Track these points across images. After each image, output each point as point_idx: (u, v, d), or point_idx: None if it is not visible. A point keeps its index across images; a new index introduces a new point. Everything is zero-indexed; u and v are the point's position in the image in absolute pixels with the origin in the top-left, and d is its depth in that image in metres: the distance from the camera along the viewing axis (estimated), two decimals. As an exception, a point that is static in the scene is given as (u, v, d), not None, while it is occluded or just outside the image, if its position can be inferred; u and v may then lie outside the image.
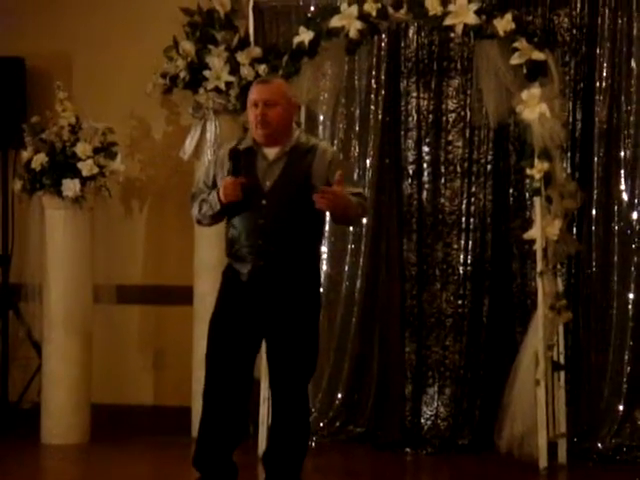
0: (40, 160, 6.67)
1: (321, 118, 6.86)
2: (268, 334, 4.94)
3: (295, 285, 4.92)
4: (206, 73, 6.72)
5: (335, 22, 6.27)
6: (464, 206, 6.75)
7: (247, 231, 4.89)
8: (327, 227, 6.79)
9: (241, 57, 6.73)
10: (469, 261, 6.73)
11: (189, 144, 6.86)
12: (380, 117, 6.85)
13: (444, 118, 6.79)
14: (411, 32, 6.79)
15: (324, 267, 6.88)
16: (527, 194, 6.51)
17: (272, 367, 4.98)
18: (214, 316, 4.99)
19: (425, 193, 6.82)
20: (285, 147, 4.95)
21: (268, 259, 4.87)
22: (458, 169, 6.77)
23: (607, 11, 6.47)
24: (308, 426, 5.09)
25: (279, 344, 4.92)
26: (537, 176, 6.02)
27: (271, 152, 4.95)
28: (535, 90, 5.97)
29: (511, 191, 6.68)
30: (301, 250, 4.92)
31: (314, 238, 4.99)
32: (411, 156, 6.84)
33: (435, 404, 6.73)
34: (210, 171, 5.08)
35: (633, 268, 6.44)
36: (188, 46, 6.78)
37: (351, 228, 6.78)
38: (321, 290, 5.18)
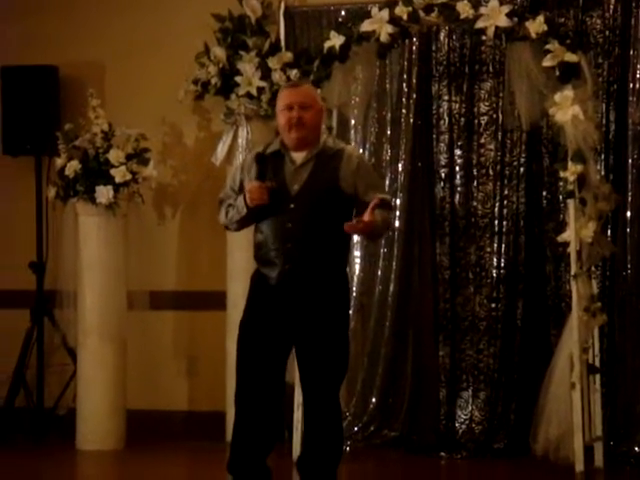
0: (73, 167, 6.71)
1: (352, 122, 6.86)
2: (297, 338, 4.94)
3: (324, 288, 4.92)
4: (237, 79, 6.74)
5: (366, 26, 6.26)
6: (497, 209, 6.73)
7: (275, 235, 4.90)
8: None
9: (272, 62, 6.75)
10: (502, 264, 6.71)
11: (221, 150, 6.88)
12: (412, 121, 6.84)
13: (476, 121, 6.77)
14: (442, 35, 6.79)
15: (357, 271, 6.88)
16: (560, 196, 6.48)
17: (302, 372, 4.98)
18: (243, 321, 5.00)
19: (458, 196, 6.81)
20: (312, 151, 4.96)
21: (296, 262, 4.87)
22: (490, 172, 6.75)
23: (640, 12, 6.45)
24: (341, 430, 5.07)
25: (309, 348, 4.92)
26: (571, 178, 5.99)
27: (298, 156, 4.96)
28: (568, 92, 5.94)
29: (544, 194, 6.66)
30: (329, 254, 4.92)
31: (342, 242, 4.99)
32: (443, 159, 6.83)
33: (470, 408, 6.70)
34: (237, 176, 5.08)
35: (668, 270, 6.40)
36: (219, 52, 6.80)
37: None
38: (350, 293, 5.17)
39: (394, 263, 6.85)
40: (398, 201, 6.83)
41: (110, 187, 6.67)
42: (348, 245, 5.13)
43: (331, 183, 4.91)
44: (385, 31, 6.23)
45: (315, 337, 4.90)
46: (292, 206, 4.89)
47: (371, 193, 4.91)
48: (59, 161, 6.79)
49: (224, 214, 5.05)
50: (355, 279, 6.87)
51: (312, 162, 4.95)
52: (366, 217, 4.78)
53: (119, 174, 6.67)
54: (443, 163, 6.83)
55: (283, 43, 6.86)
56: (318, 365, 4.91)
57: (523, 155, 6.68)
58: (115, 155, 6.70)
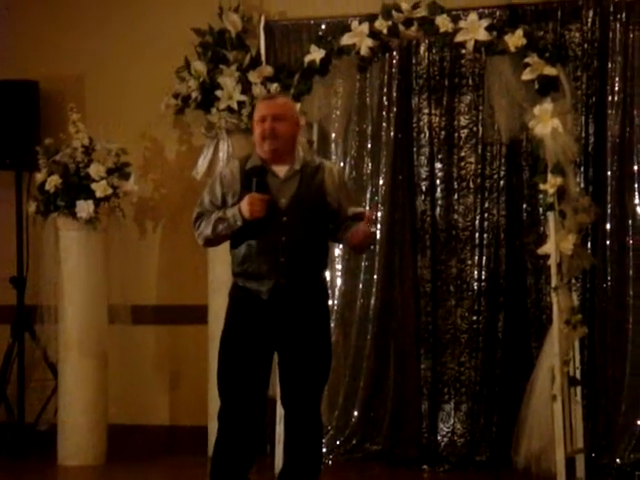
0: (54, 182, 6.70)
1: (333, 136, 6.88)
2: (281, 350, 4.93)
3: (309, 302, 4.93)
4: (218, 93, 6.75)
5: (346, 40, 6.28)
6: (477, 222, 6.75)
7: (267, 249, 4.89)
8: (341, 244, 6.89)
9: (253, 76, 6.76)
10: (483, 277, 6.73)
11: (202, 164, 6.88)
12: (392, 134, 6.87)
13: (456, 134, 6.80)
14: (422, 49, 6.82)
15: (338, 284, 6.89)
16: (540, 209, 6.50)
17: (284, 384, 4.97)
18: (225, 336, 4.98)
19: (438, 209, 6.82)
20: (295, 165, 4.97)
21: (290, 276, 4.88)
22: (471, 185, 6.77)
23: (618, 25, 6.48)
24: (321, 443, 5.07)
25: (292, 361, 4.92)
26: (550, 191, 6.01)
27: (281, 170, 4.96)
28: (547, 105, 5.96)
29: (524, 206, 6.68)
30: (316, 267, 4.96)
31: (325, 255, 5.04)
32: (424, 173, 6.85)
33: (451, 421, 6.71)
34: (217, 190, 5.03)
35: (648, 281, 6.43)
36: (200, 66, 6.81)
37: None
38: (331, 306, 5.20)
39: (375, 276, 6.86)
40: (379, 214, 6.85)
41: (91, 202, 6.66)
42: (327, 258, 5.14)
43: (319, 197, 4.94)
44: (365, 45, 6.25)
45: (299, 349, 4.90)
46: (284, 219, 4.89)
47: (351, 207, 4.99)
48: (39, 176, 6.78)
49: (210, 228, 4.99)
50: (337, 292, 6.88)
51: (297, 176, 4.95)
52: (366, 227, 4.85)
53: (100, 188, 6.66)
54: (424, 176, 6.85)
55: (263, 57, 6.87)
56: (300, 378, 4.91)
57: (503, 168, 6.71)
58: (96, 169, 6.69)
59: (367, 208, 6.48)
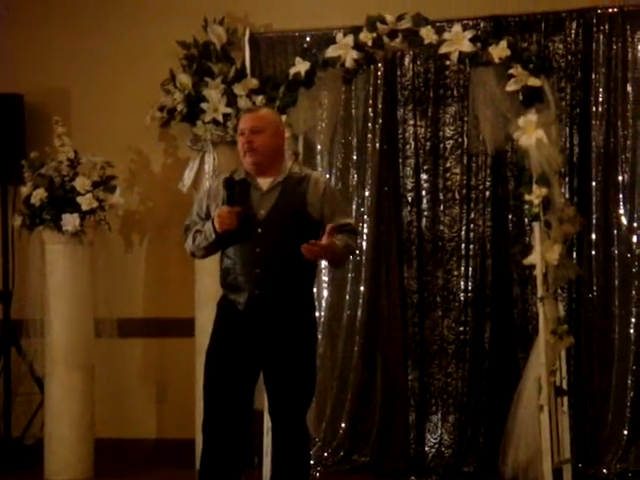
0: (39, 195, 6.68)
1: (319, 148, 6.88)
2: (266, 363, 4.93)
3: (292, 313, 4.91)
4: (203, 105, 6.76)
5: (331, 52, 6.29)
6: (463, 232, 6.76)
7: (243, 260, 4.89)
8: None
9: (238, 89, 6.77)
10: (470, 287, 6.74)
11: (188, 176, 6.88)
12: (378, 145, 6.88)
13: (441, 145, 6.82)
14: (407, 60, 6.84)
15: (325, 296, 6.89)
16: (526, 220, 6.52)
17: (271, 396, 4.97)
18: (210, 348, 4.98)
19: (424, 220, 6.83)
20: (278, 177, 4.96)
21: (265, 288, 4.87)
22: (457, 196, 6.79)
23: (601, 37, 6.51)
24: (309, 455, 5.08)
25: (277, 374, 4.91)
26: (536, 201, 6.02)
27: (264, 182, 4.96)
28: (532, 116, 5.98)
29: (510, 217, 6.70)
30: (297, 278, 4.92)
31: (309, 266, 4.98)
32: (409, 184, 6.86)
33: (439, 432, 6.71)
34: (203, 202, 5.07)
35: (634, 292, 6.44)
36: (185, 79, 6.82)
37: (351, 257, 6.80)
38: (318, 318, 5.16)
39: (362, 288, 6.86)
40: (365, 226, 6.86)
41: (76, 215, 6.64)
42: (315, 270, 5.13)
43: (298, 208, 4.91)
44: (350, 57, 6.26)
45: (283, 363, 4.90)
46: (260, 231, 4.88)
47: (337, 219, 4.93)
48: (25, 189, 6.76)
49: (191, 240, 5.04)
50: (323, 304, 6.88)
51: (279, 188, 4.95)
52: (324, 240, 4.78)
53: (85, 202, 6.65)
54: (409, 187, 6.86)
55: (248, 69, 6.88)
56: (286, 390, 4.90)
57: (488, 179, 6.72)
58: (81, 183, 6.68)
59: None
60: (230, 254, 4.94)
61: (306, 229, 4.88)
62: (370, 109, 6.90)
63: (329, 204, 4.97)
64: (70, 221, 6.64)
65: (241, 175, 5.01)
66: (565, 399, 6.14)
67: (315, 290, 6.74)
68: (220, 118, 6.73)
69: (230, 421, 4.88)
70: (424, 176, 6.84)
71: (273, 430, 5.03)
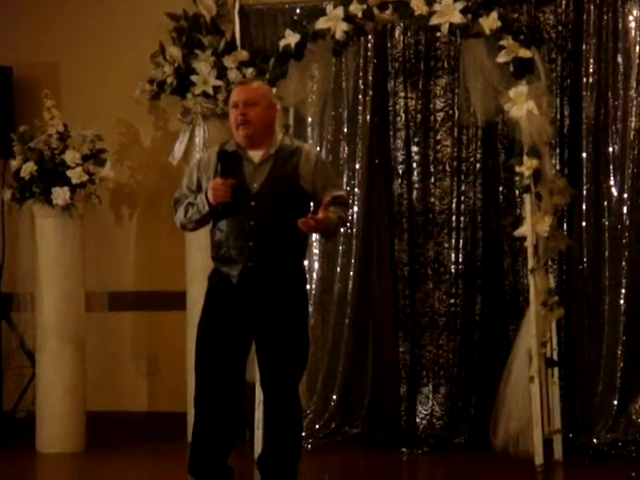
0: (29, 169, 6.66)
1: (309, 120, 6.87)
2: (258, 335, 4.94)
3: (284, 286, 4.93)
4: (193, 78, 6.73)
5: (321, 24, 6.27)
6: (454, 205, 6.76)
7: (236, 233, 4.89)
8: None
9: (228, 61, 6.74)
10: (460, 260, 6.74)
11: (178, 149, 6.86)
12: (368, 118, 6.86)
13: (432, 117, 6.80)
14: (397, 32, 6.81)
15: (315, 269, 6.89)
16: (517, 191, 6.51)
17: (263, 368, 4.98)
18: (202, 321, 4.98)
19: (415, 193, 6.83)
20: (270, 150, 4.96)
21: (258, 260, 4.88)
22: (447, 168, 6.78)
23: (592, 7, 6.49)
24: (301, 427, 5.10)
25: (270, 345, 4.93)
26: (526, 173, 6.02)
27: (256, 155, 4.96)
28: (522, 88, 5.97)
29: (501, 189, 6.70)
30: (289, 251, 4.93)
31: (301, 239, 4.99)
32: (400, 156, 6.85)
33: (430, 403, 6.73)
34: (194, 175, 5.06)
35: (624, 263, 6.45)
36: (175, 51, 6.79)
37: (342, 229, 6.81)
38: (307, 290, 5.17)
39: (353, 260, 6.87)
40: (356, 198, 6.85)
41: (66, 188, 6.63)
42: (306, 242, 5.15)
43: (291, 181, 4.92)
44: (340, 29, 6.24)
45: (275, 335, 4.91)
46: (253, 204, 4.88)
47: (329, 191, 4.95)
48: (14, 163, 6.74)
49: (183, 213, 5.03)
50: (314, 277, 6.88)
51: (271, 160, 4.95)
52: (320, 214, 4.80)
53: (75, 175, 6.63)
54: (400, 160, 6.85)
55: (238, 42, 6.85)
56: (278, 362, 4.92)
57: (479, 151, 6.72)
58: (71, 156, 6.66)
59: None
60: (222, 227, 4.93)
61: (298, 202, 4.90)
62: (360, 81, 6.88)
63: (321, 177, 4.98)
64: (60, 195, 6.62)
65: (231, 147, 5.00)
66: (556, 370, 6.17)
67: (306, 263, 6.82)
68: (210, 91, 6.71)
69: (222, 394, 4.89)
70: (415, 148, 6.83)
71: (265, 403, 5.05)
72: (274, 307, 4.90)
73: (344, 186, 6.72)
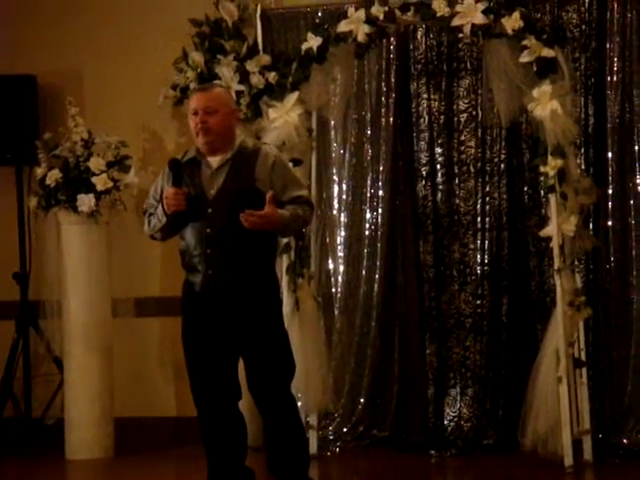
0: (54, 176, 6.69)
1: (332, 123, 6.88)
2: (237, 344, 4.89)
3: (250, 291, 4.84)
4: (216, 83, 6.73)
5: (343, 27, 6.27)
6: (479, 206, 6.74)
7: (195, 241, 4.86)
8: (343, 232, 6.88)
9: (250, 65, 6.75)
10: (486, 261, 6.72)
11: (202, 155, 6.86)
12: (391, 120, 6.85)
13: (455, 119, 6.78)
14: (419, 34, 6.80)
15: (341, 272, 6.88)
16: (542, 191, 6.48)
17: (249, 375, 4.93)
18: (182, 331, 4.99)
19: (439, 194, 6.81)
20: (227, 154, 4.89)
21: (217, 268, 4.82)
22: (472, 169, 6.76)
23: (616, 5, 6.45)
24: (300, 425, 5.03)
25: (250, 354, 4.88)
26: (551, 173, 6.00)
27: (214, 160, 4.90)
28: (546, 87, 5.95)
29: (526, 189, 6.67)
30: (252, 256, 4.85)
31: (265, 243, 4.89)
32: (424, 158, 6.83)
33: (458, 405, 6.71)
34: (158, 185, 5.04)
35: (651, 261, 6.42)
36: (197, 57, 6.80)
37: (366, 232, 6.82)
38: (279, 293, 5.06)
39: (378, 263, 6.86)
40: (380, 201, 6.85)
41: (92, 195, 6.65)
42: (273, 246, 5.03)
43: (247, 184, 4.84)
44: (362, 31, 6.23)
45: (252, 342, 4.86)
46: (210, 211, 4.84)
47: (289, 191, 4.87)
48: (39, 170, 6.77)
49: (147, 224, 5.03)
50: (339, 280, 6.88)
51: (228, 165, 4.89)
52: (265, 210, 4.70)
53: (100, 182, 6.66)
54: (424, 161, 6.83)
55: (261, 46, 6.86)
56: (263, 368, 4.88)
57: (503, 151, 6.69)
58: (96, 163, 6.68)
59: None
60: (184, 235, 4.92)
61: (257, 205, 4.76)
62: (383, 83, 6.87)
63: (279, 177, 4.88)
64: (85, 201, 6.64)
65: (192, 154, 4.95)
66: (584, 370, 6.13)
67: (331, 267, 6.83)
68: (233, 95, 6.70)
69: (221, 400, 4.89)
70: (438, 150, 6.81)
71: (258, 408, 4.98)
72: (243, 313, 4.84)
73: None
